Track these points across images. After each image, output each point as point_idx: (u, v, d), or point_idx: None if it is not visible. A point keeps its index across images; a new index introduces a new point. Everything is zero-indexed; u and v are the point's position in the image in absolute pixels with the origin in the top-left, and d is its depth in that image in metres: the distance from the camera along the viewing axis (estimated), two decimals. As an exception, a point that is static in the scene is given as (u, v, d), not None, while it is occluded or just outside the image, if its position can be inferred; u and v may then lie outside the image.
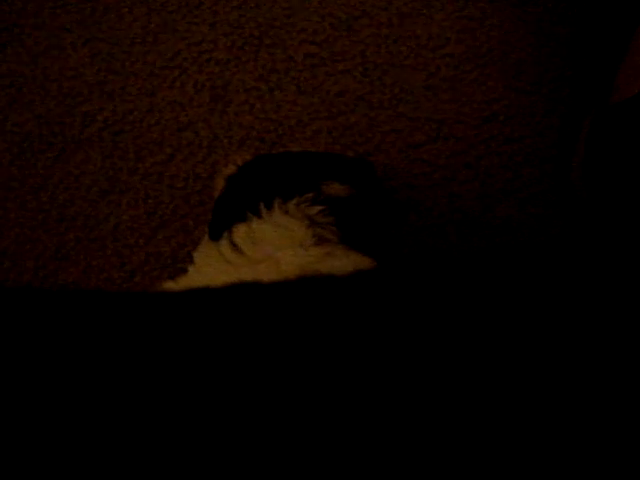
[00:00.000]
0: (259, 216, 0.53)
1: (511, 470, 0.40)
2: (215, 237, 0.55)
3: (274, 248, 0.51)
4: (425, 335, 0.33)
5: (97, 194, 0.80)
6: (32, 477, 0.29)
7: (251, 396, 0.34)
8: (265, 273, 0.50)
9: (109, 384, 0.29)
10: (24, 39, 0.84)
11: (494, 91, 0.80)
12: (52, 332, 0.30)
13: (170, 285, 0.54)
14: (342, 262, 0.51)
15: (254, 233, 0.53)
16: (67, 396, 0.30)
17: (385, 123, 0.80)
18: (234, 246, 0.52)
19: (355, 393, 0.35)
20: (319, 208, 0.53)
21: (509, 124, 0.79)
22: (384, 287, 0.37)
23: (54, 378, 0.29)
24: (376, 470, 0.33)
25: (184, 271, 0.55)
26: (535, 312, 0.38)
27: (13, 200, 0.80)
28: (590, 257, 0.45)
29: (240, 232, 0.53)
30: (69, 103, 0.82)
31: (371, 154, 0.80)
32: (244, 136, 0.81)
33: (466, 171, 0.78)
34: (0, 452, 0.31)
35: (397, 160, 0.79)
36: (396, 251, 0.73)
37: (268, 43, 0.83)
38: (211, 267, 0.53)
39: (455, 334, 0.34)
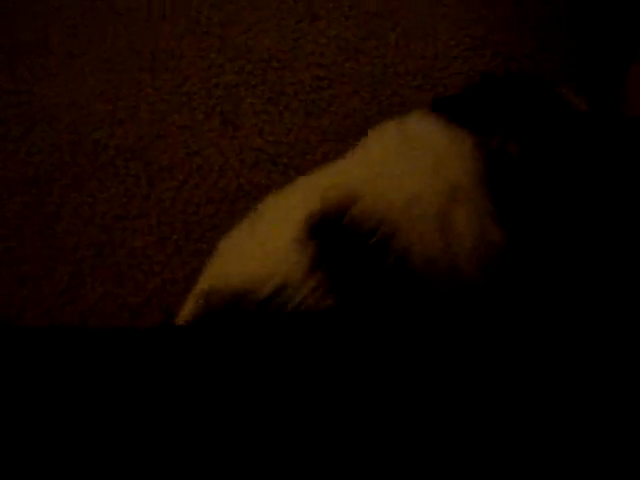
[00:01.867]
0: None
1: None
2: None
3: None
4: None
5: (111, 220, 0.81)
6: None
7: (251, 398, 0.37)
8: None
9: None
10: (35, 67, 0.85)
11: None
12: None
13: None
14: None
15: None
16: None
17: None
18: None
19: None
20: None
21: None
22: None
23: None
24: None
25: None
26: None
27: (29, 229, 0.81)
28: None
29: None
30: (80, 131, 0.83)
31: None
32: (255, 159, 0.82)
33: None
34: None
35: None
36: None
37: (276, 66, 0.84)
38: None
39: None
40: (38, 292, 0.80)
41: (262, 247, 0.47)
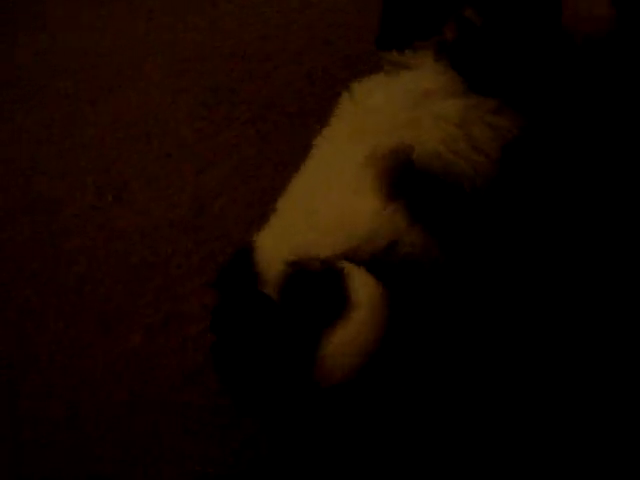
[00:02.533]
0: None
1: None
2: (385, 47, 0.58)
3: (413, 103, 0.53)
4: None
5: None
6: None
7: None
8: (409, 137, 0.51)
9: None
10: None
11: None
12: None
13: None
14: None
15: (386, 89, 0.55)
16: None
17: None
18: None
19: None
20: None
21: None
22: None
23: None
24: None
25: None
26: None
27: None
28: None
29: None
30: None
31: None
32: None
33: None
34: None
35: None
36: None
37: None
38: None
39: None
40: (71, 335, 0.89)
41: (350, 208, 0.52)
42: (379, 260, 0.49)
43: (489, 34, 0.55)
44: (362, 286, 0.47)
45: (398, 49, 0.58)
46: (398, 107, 0.55)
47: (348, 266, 0.48)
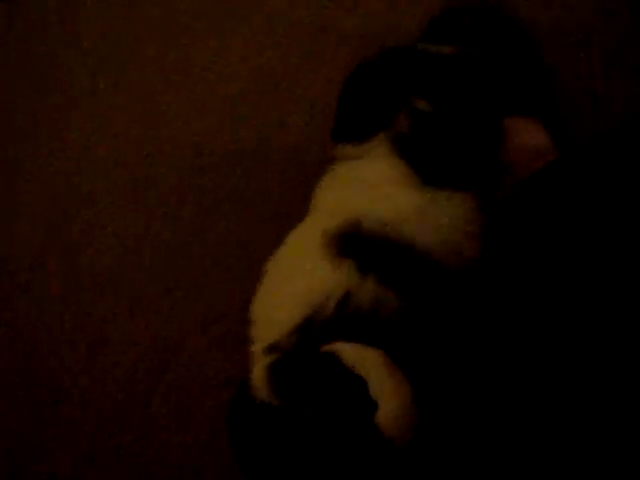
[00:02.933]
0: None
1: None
2: (339, 139, 0.62)
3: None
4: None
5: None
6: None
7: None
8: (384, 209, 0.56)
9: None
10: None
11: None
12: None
13: None
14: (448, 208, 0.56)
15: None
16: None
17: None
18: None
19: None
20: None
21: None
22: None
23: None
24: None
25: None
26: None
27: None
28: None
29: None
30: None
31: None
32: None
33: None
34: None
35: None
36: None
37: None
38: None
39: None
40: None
41: (309, 278, 0.56)
42: (336, 315, 0.53)
43: (439, 123, 0.59)
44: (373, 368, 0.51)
45: (352, 141, 0.61)
46: (351, 194, 0.59)
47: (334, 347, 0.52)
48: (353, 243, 0.55)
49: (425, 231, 0.55)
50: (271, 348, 0.55)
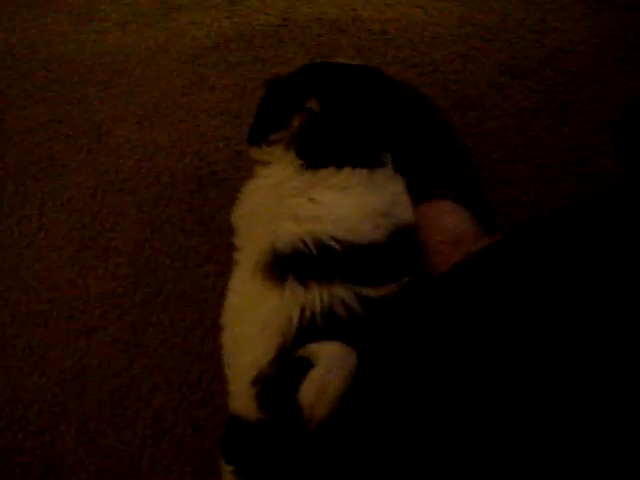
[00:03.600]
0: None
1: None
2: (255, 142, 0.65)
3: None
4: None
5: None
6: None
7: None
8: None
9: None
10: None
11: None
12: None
13: None
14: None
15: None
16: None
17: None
18: None
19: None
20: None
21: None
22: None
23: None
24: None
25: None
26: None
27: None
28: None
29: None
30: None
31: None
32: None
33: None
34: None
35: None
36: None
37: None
38: None
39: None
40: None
41: (264, 313, 0.58)
42: (302, 330, 0.55)
43: (328, 121, 0.62)
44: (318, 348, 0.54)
45: (259, 143, 0.65)
46: (263, 208, 0.62)
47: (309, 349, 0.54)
48: (282, 262, 0.57)
49: (333, 224, 0.58)
50: (256, 381, 0.56)
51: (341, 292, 0.55)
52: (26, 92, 0.98)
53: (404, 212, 0.62)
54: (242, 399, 0.57)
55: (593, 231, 0.48)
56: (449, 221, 0.66)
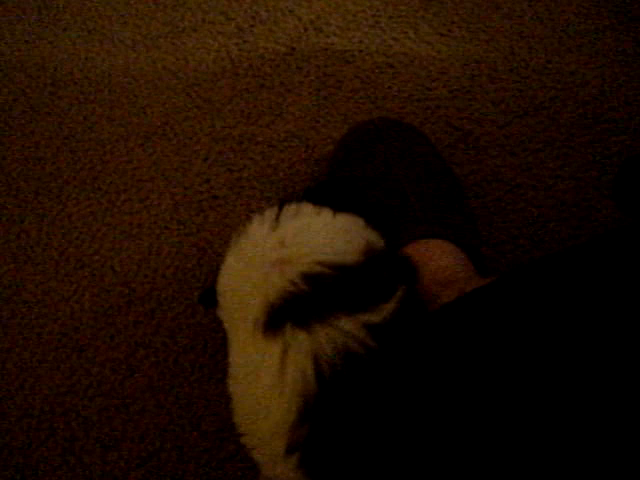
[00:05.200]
0: None
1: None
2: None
3: None
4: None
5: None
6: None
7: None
8: None
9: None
10: None
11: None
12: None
13: None
14: None
15: None
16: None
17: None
18: None
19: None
20: None
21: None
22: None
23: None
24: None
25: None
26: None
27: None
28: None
29: None
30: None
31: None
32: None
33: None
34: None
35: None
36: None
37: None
38: None
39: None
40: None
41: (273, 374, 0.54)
42: (323, 382, 0.50)
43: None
44: None
45: None
46: (245, 273, 0.57)
47: None
48: (278, 313, 0.52)
49: (309, 248, 0.55)
50: (289, 450, 0.51)
51: (347, 325, 0.50)
52: (32, 107, 1.00)
53: (369, 234, 0.58)
54: (279, 469, 0.52)
55: (591, 276, 0.47)
56: (442, 261, 0.63)
